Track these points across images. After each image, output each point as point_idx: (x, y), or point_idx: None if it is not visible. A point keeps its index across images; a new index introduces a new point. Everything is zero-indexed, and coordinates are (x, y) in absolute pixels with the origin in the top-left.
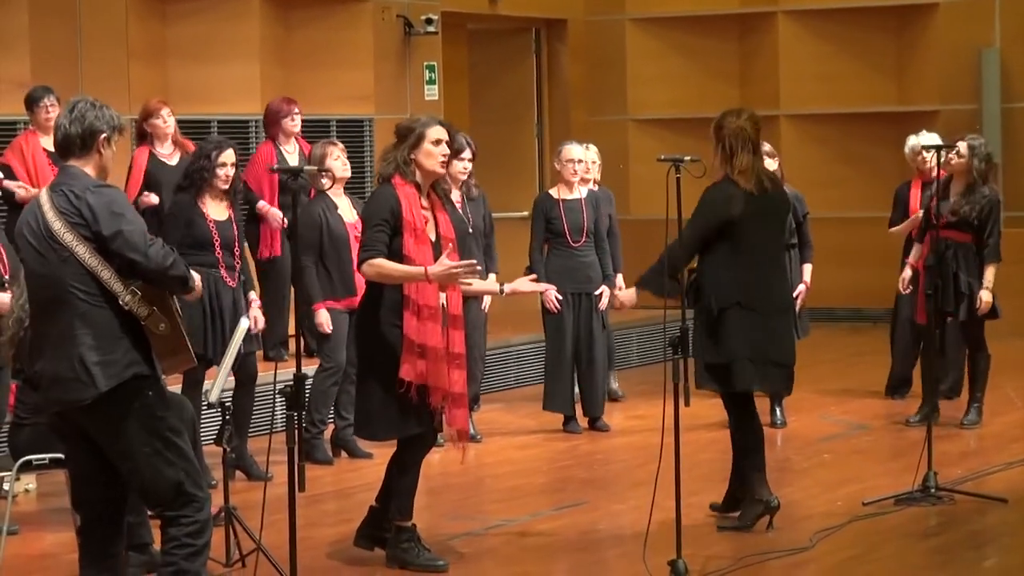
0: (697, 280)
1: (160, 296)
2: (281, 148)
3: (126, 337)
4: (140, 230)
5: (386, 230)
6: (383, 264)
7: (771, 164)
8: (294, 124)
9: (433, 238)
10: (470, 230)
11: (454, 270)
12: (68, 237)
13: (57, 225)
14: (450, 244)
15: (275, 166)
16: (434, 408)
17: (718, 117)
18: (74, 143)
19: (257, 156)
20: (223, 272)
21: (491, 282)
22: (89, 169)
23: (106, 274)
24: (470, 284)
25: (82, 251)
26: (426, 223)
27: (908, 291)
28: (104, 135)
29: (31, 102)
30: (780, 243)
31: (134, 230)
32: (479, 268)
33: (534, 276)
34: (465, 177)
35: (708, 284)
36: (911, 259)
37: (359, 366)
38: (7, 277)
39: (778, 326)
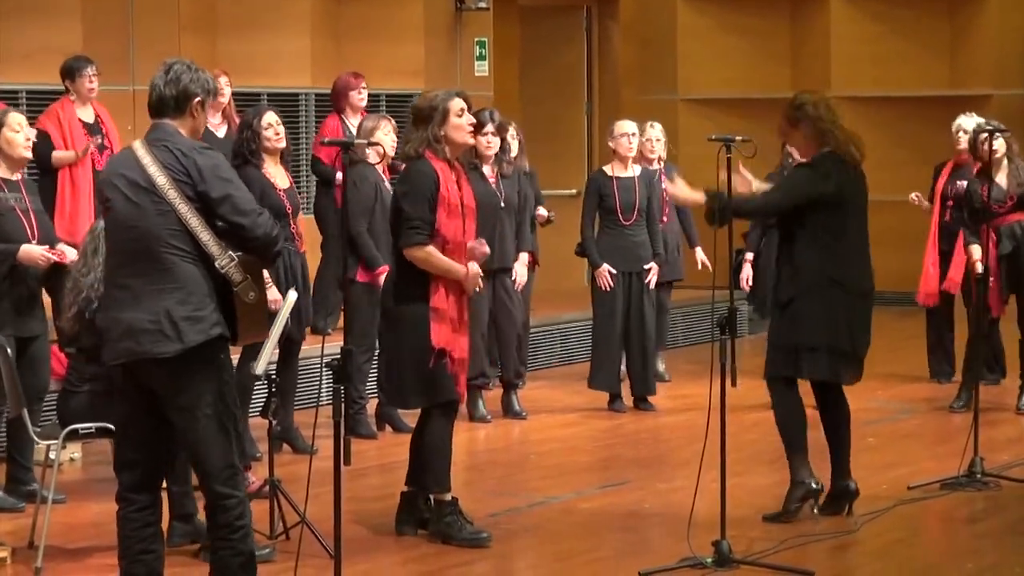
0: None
1: (254, 265)
2: (347, 121)
3: (213, 297)
4: (248, 197)
5: (433, 208)
6: (433, 253)
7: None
8: (361, 98)
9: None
10: (502, 204)
11: (478, 276)
12: (172, 194)
13: (161, 180)
14: (471, 213)
15: (324, 139)
16: (454, 375)
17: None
18: (168, 104)
19: (322, 130)
20: (295, 241)
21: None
22: (183, 130)
23: (205, 236)
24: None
25: (184, 209)
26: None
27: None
28: (198, 99)
29: (71, 72)
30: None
31: (243, 196)
32: (486, 250)
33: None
34: (494, 152)
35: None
36: (978, 255)
37: (385, 338)
38: (35, 241)
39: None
